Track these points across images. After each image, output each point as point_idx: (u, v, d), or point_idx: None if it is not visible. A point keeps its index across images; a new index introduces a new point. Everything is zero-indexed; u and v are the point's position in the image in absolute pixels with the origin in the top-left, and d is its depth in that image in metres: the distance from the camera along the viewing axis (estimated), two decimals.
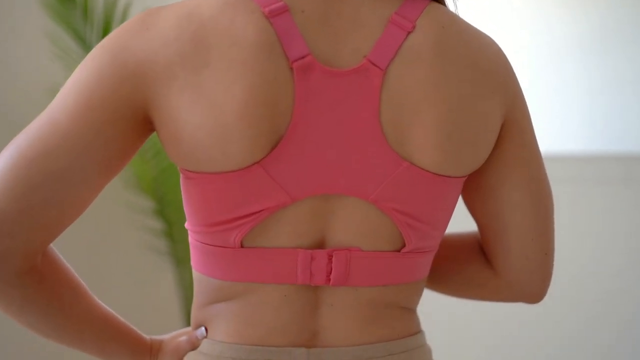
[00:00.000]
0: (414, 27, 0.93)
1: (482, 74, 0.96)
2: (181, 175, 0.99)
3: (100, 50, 0.93)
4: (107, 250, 2.55)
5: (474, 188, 1.06)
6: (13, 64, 2.45)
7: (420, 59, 0.93)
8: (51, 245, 0.97)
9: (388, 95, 0.92)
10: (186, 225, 1.03)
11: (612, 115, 2.83)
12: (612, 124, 2.83)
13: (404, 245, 0.99)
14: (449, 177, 0.97)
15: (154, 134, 0.98)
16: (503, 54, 1.01)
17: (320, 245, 0.97)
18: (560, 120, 2.85)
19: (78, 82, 0.92)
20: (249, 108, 0.89)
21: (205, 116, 0.90)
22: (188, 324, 2.41)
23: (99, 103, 0.91)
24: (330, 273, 0.97)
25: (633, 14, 2.78)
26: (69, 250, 2.44)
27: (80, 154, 0.91)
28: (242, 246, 0.96)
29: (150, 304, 2.63)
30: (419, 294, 1.06)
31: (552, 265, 1.08)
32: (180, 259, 2.41)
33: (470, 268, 1.13)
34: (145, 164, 2.30)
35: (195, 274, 1.04)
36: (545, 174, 1.05)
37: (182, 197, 1.01)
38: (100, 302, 1.02)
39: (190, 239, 1.04)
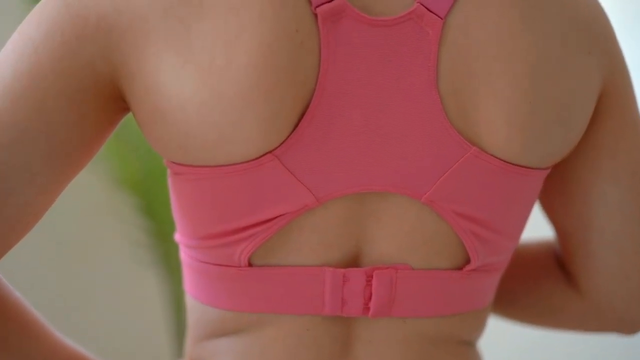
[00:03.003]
0: None
1: (575, 24, 0.72)
2: (168, 170, 0.74)
3: None
4: (86, 260, 2.34)
5: (555, 182, 0.81)
6: None
7: (491, 4, 0.69)
8: None
9: (449, 53, 0.68)
10: (176, 237, 0.79)
11: None
12: None
13: (467, 262, 0.75)
14: (530, 168, 0.72)
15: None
16: (598, 1, 0.76)
17: (354, 261, 0.74)
18: None
19: (18, 44, 0.68)
20: (261, 74, 0.65)
21: (198, 87, 0.65)
22: (178, 352, 2.18)
23: (49, 73, 0.67)
24: (370, 300, 0.73)
25: None
26: (41, 259, 2.27)
27: (22, 146, 0.67)
28: (250, 265, 0.72)
29: (134, 326, 2.41)
30: (483, 325, 0.83)
31: None
32: (173, 269, 2.19)
33: (546, 288, 0.89)
34: (132, 159, 2.06)
35: (189, 300, 0.80)
36: None
37: (171, 199, 0.76)
38: (63, 339, 0.78)
39: (182, 254, 0.80)
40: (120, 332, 2.37)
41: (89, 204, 2.28)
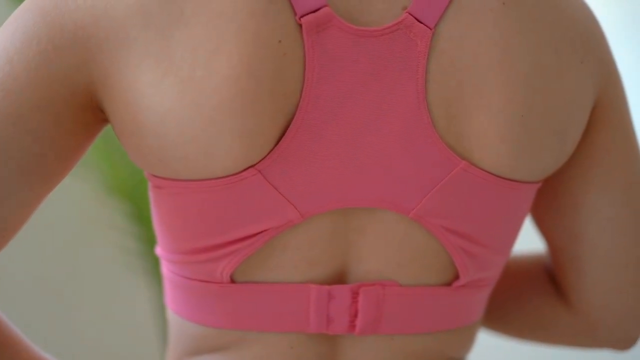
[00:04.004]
0: None
1: (569, 34, 0.70)
2: (149, 183, 0.72)
3: (27, 7, 0.66)
4: (77, 267, 2.31)
5: (546, 195, 0.79)
6: None
7: (484, 11, 0.66)
8: None
9: (439, 64, 0.65)
10: (157, 250, 0.76)
11: None
12: None
13: (456, 277, 0.73)
14: (521, 182, 0.70)
15: None
16: (590, 8, 0.74)
17: (340, 278, 0.72)
18: None
19: None
20: (242, 86, 0.63)
21: (178, 99, 0.63)
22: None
23: (24, 84, 0.64)
24: (356, 317, 0.71)
25: None
26: (31, 266, 2.23)
27: None
28: (232, 281, 0.70)
29: (125, 332, 2.38)
30: (472, 340, 0.81)
31: None
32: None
33: (536, 303, 0.87)
34: (123, 166, 2.03)
35: (170, 314, 0.79)
36: None
37: (152, 212, 0.74)
38: (41, 354, 0.75)
39: (163, 269, 0.78)
40: (110, 338, 2.34)
41: (80, 211, 2.26)
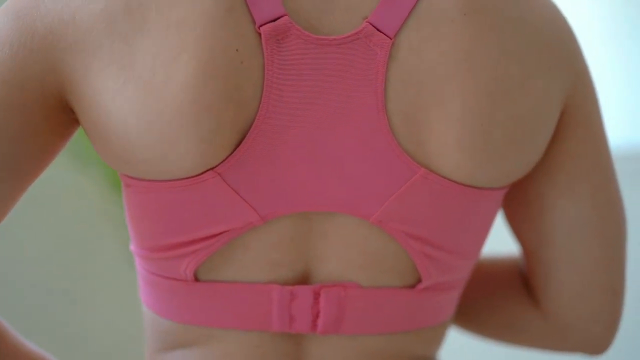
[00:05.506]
0: None
1: (535, 43, 0.70)
2: (122, 181, 0.74)
3: (4, 10, 0.69)
4: (80, 263, 2.32)
5: (517, 200, 0.80)
6: None
7: (444, 22, 0.66)
8: None
9: (398, 73, 0.66)
10: (130, 247, 0.78)
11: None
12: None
13: (419, 280, 0.73)
14: (483, 189, 0.71)
15: None
16: (563, 16, 0.74)
17: (303, 279, 0.73)
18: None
19: None
20: (198, 92, 0.64)
21: (138, 103, 0.65)
22: None
23: None
24: (318, 317, 0.73)
25: None
26: (35, 262, 2.24)
27: None
28: (196, 279, 0.72)
29: (128, 328, 2.40)
30: (441, 339, 0.82)
31: (622, 307, 0.81)
32: None
33: (509, 308, 0.87)
34: None
35: (144, 309, 0.80)
36: (616, 183, 0.78)
37: (124, 209, 0.76)
38: (27, 344, 0.77)
39: (136, 265, 0.79)
40: (113, 334, 2.36)
41: (83, 207, 2.27)
